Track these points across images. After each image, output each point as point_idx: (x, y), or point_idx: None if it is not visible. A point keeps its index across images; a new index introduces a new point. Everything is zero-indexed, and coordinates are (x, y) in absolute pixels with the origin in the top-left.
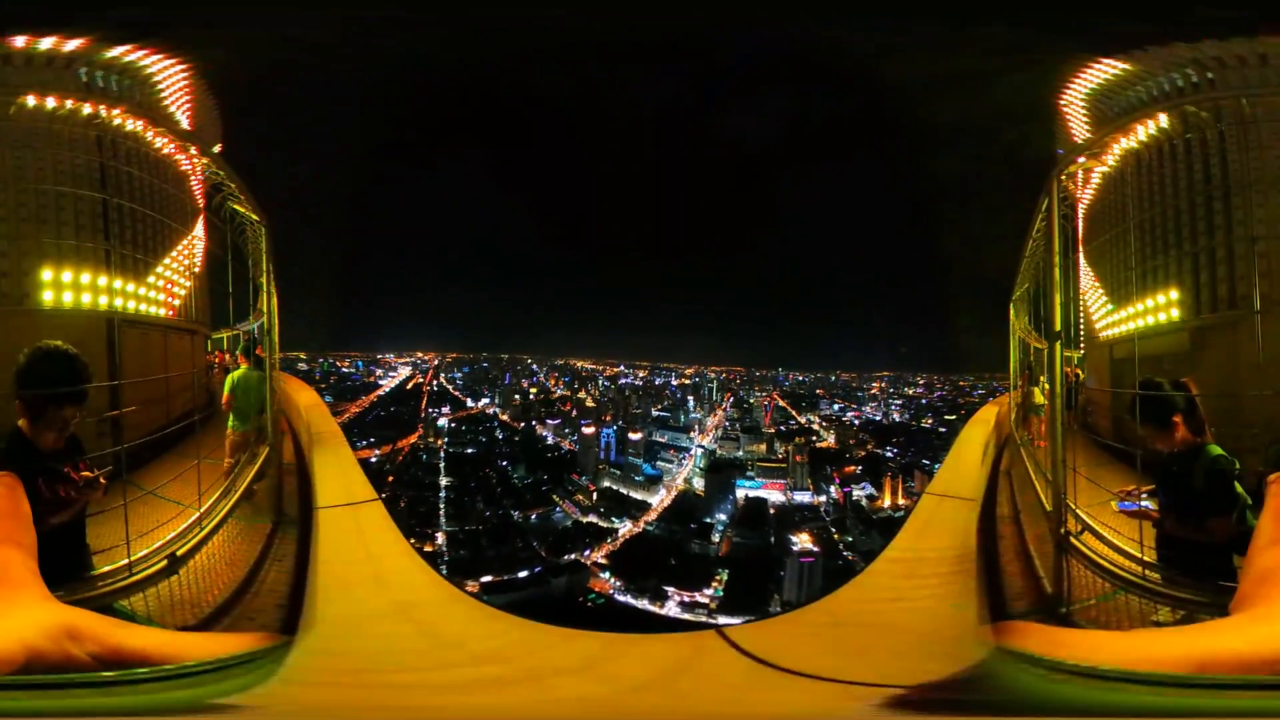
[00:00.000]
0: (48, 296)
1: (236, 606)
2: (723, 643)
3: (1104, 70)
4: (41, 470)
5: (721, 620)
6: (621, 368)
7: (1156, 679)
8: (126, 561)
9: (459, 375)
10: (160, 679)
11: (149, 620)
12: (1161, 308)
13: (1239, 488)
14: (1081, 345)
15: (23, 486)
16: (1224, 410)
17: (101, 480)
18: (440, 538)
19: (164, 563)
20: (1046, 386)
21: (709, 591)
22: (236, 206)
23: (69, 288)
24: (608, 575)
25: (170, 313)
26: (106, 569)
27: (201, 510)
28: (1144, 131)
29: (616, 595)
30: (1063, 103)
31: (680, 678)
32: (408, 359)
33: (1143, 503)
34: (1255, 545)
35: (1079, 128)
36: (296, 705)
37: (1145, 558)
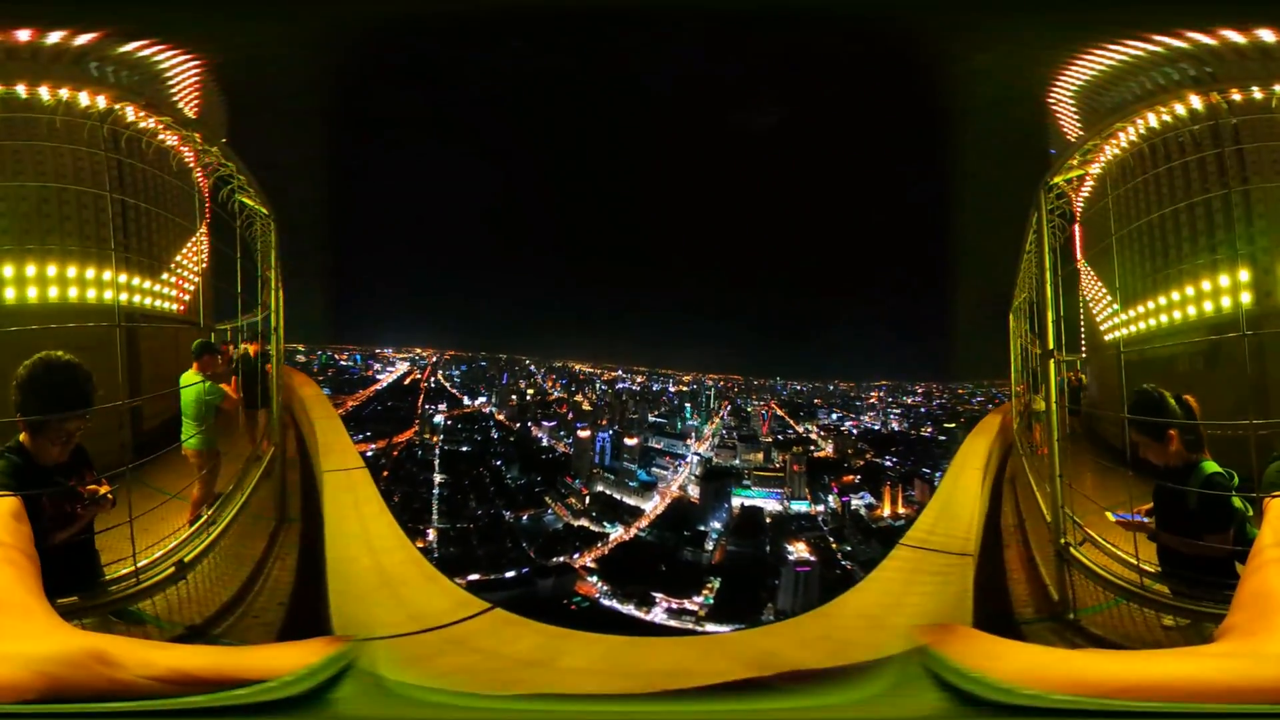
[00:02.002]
0: (70, 294)
1: (244, 608)
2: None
3: (1098, 62)
4: (46, 486)
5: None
6: (619, 372)
7: (1110, 709)
8: (134, 569)
9: (457, 373)
10: (252, 706)
11: (162, 627)
12: (1175, 306)
13: (1238, 501)
14: (1083, 349)
15: (24, 505)
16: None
17: (110, 496)
18: (431, 534)
19: (172, 569)
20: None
21: (699, 599)
22: (244, 199)
23: (92, 285)
24: (595, 579)
25: (180, 309)
26: (115, 578)
27: (209, 513)
28: (1145, 126)
29: (602, 600)
30: (1052, 100)
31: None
32: (406, 354)
33: (1138, 515)
34: (1248, 571)
35: (1071, 126)
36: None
37: (1145, 569)
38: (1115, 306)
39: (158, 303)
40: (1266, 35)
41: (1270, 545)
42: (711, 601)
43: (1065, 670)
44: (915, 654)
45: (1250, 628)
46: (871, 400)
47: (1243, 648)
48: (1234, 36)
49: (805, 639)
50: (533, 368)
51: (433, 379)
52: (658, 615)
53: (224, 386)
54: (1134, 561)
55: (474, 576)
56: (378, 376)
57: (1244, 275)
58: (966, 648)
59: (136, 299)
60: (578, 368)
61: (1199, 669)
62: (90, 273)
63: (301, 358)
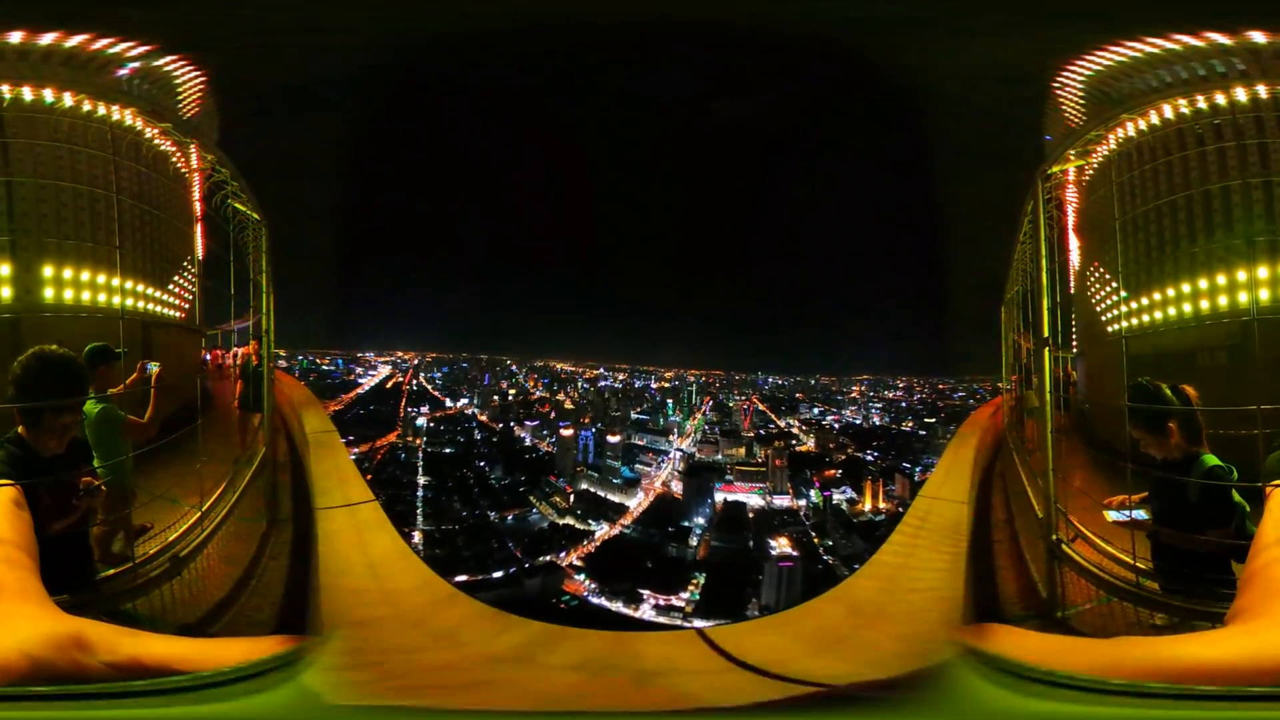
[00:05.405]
0: (84, 297)
1: (236, 607)
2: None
3: (1101, 57)
4: (44, 478)
5: (698, 623)
6: (601, 370)
7: (1137, 689)
8: (131, 564)
9: (438, 375)
10: (179, 690)
11: (156, 625)
12: (1174, 300)
13: (1236, 495)
14: (1075, 345)
15: (24, 495)
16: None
17: (103, 488)
18: (417, 536)
19: (167, 565)
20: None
21: (685, 595)
22: (237, 205)
23: (106, 290)
24: (583, 577)
25: (180, 314)
26: (111, 573)
27: (203, 510)
28: (1156, 117)
29: (590, 598)
30: (1055, 89)
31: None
32: (388, 358)
33: (1135, 513)
34: (1254, 555)
35: (1073, 113)
36: (319, 713)
37: (1139, 566)
38: (1112, 300)
39: (155, 306)
40: (1258, 37)
41: (1274, 530)
42: (698, 597)
43: (1099, 656)
44: (966, 655)
45: (1259, 610)
46: (853, 395)
47: (1256, 629)
48: (1226, 38)
49: (800, 634)
50: (514, 368)
51: (414, 382)
52: (645, 612)
53: (131, 418)
54: (1127, 559)
55: (461, 577)
56: (360, 380)
57: (1241, 272)
58: (1010, 643)
59: (136, 302)
60: (559, 366)
61: (1221, 651)
62: (89, 275)
63: (284, 363)
